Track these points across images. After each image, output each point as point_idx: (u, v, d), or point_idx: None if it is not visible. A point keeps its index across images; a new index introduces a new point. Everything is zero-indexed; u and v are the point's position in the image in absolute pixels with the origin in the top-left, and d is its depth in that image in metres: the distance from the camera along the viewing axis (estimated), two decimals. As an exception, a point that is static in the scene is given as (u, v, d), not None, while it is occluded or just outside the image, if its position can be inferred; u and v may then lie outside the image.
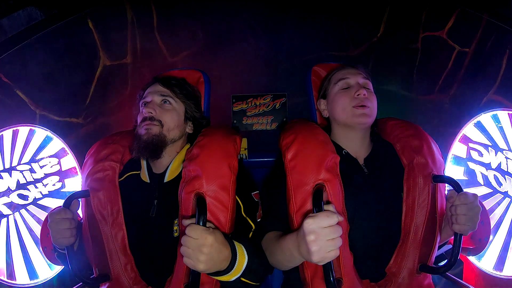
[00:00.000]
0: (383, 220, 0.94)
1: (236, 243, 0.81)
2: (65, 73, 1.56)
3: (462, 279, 1.22)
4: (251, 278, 0.83)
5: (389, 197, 0.96)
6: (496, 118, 1.39)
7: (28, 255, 1.40)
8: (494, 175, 1.37)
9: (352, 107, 0.99)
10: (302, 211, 0.86)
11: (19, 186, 1.41)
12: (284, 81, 1.65)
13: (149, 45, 1.62)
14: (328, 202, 0.82)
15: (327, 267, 0.73)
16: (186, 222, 0.78)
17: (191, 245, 0.73)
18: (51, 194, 1.44)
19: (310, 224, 0.70)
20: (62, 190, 1.45)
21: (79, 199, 0.97)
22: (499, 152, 1.36)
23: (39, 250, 1.37)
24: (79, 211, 0.99)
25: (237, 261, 0.79)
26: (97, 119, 1.60)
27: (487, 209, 1.29)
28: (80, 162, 1.43)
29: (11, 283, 1.38)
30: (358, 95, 0.99)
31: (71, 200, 0.93)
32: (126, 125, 1.45)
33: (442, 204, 0.95)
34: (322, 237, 0.69)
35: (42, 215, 1.41)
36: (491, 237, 1.30)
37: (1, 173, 1.39)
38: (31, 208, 1.42)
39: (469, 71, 1.58)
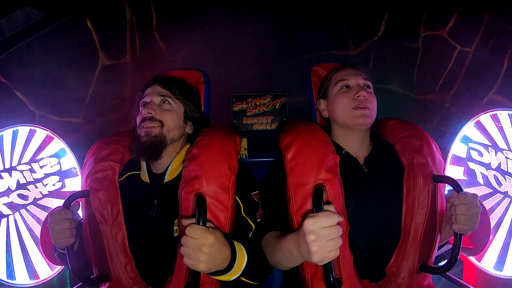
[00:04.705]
0: (383, 220, 0.94)
1: (235, 243, 0.81)
2: (64, 73, 1.55)
3: (462, 279, 1.22)
4: (250, 277, 0.83)
5: (389, 197, 0.96)
6: (496, 118, 1.39)
7: (28, 255, 1.40)
8: (494, 175, 1.37)
9: (351, 109, 0.99)
10: (302, 211, 0.86)
11: (19, 186, 1.41)
12: (284, 81, 1.65)
13: (149, 45, 1.62)
14: (328, 202, 0.82)
15: (327, 267, 0.74)
16: (186, 222, 0.78)
17: (191, 245, 0.73)
18: (51, 194, 1.44)
19: (310, 224, 0.70)
20: (62, 190, 1.45)
21: (79, 199, 0.97)
22: (499, 152, 1.36)
23: (39, 250, 1.37)
24: (79, 211, 0.99)
25: (236, 261, 0.79)
26: (97, 119, 1.60)
27: (487, 209, 1.29)
28: (80, 162, 1.42)
29: (11, 283, 1.38)
30: (358, 96, 0.99)
31: (71, 200, 0.93)
32: (126, 125, 1.45)
33: (442, 204, 0.94)
34: (322, 237, 0.69)
35: (42, 215, 1.41)
36: (491, 237, 1.30)
37: (1, 173, 1.39)
38: (31, 208, 1.42)
39: (470, 70, 1.57)
